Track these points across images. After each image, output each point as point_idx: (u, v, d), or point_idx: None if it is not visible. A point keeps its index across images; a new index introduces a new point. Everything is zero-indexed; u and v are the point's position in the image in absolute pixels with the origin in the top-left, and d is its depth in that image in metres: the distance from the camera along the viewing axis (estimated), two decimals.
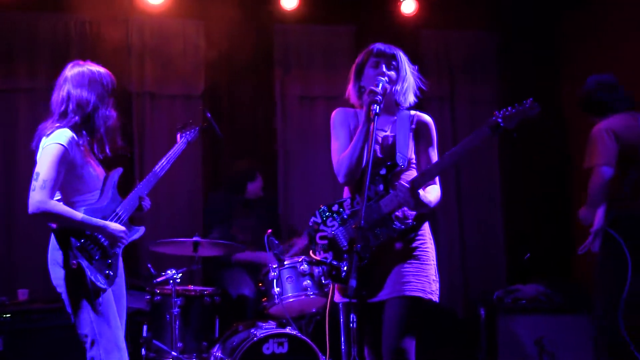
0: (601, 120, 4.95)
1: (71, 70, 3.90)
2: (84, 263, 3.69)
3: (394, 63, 3.58)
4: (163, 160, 4.23)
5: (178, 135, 4.52)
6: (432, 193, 3.52)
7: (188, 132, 4.54)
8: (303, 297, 5.05)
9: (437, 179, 3.57)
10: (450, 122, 7.28)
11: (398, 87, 3.58)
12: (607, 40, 6.67)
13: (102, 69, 3.95)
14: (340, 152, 3.60)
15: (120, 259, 3.97)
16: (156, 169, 4.17)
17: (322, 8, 6.94)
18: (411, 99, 3.65)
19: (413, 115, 3.66)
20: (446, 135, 7.11)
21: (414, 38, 7.15)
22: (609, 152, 4.79)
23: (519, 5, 7.09)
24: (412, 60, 3.75)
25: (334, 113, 3.75)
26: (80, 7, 6.35)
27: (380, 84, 3.47)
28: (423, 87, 3.69)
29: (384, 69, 3.56)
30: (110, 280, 3.82)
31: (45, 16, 6.51)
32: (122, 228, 3.87)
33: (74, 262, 3.66)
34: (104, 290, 3.77)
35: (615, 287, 4.70)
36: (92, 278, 3.71)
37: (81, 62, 3.95)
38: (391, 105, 3.64)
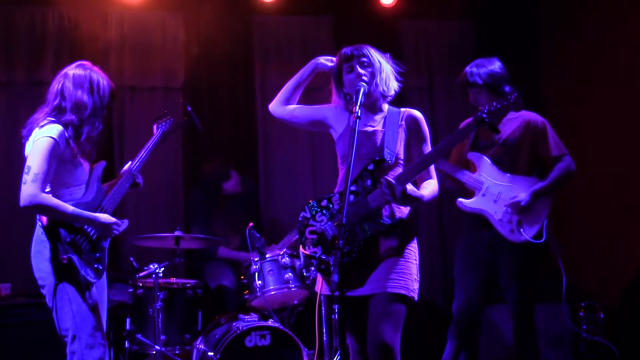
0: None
1: (75, 70, 3.91)
2: (75, 257, 3.72)
3: (364, 60, 3.59)
4: (142, 153, 4.27)
5: (154, 127, 4.52)
6: (427, 188, 3.56)
7: (164, 123, 4.54)
8: (285, 289, 5.09)
9: (433, 173, 3.62)
10: (430, 112, 7.29)
11: (377, 80, 3.61)
12: (585, 31, 6.71)
13: (104, 79, 3.95)
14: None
15: (106, 253, 3.99)
16: (133, 165, 4.19)
17: None
18: (394, 85, 3.68)
19: (403, 112, 3.68)
20: None
21: (392, 29, 7.16)
22: None
23: None
24: (391, 51, 3.77)
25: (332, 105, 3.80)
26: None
27: (362, 89, 3.50)
28: (401, 70, 3.71)
29: (359, 69, 3.58)
30: (99, 274, 3.86)
31: (23, 9, 6.44)
32: (112, 218, 3.90)
33: (65, 256, 3.69)
34: (92, 284, 3.81)
35: None
36: (83, 272, 3.73)
37: (88, 65, 3.96)
38: (377, 100, 3.68)
